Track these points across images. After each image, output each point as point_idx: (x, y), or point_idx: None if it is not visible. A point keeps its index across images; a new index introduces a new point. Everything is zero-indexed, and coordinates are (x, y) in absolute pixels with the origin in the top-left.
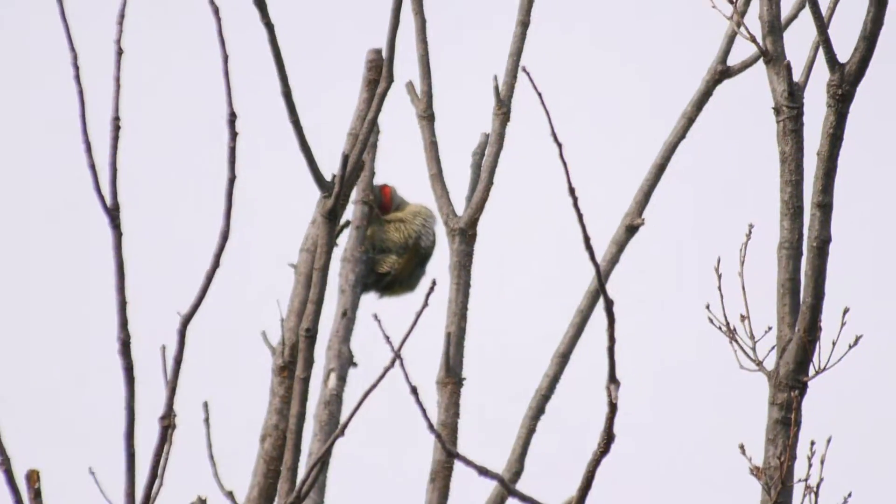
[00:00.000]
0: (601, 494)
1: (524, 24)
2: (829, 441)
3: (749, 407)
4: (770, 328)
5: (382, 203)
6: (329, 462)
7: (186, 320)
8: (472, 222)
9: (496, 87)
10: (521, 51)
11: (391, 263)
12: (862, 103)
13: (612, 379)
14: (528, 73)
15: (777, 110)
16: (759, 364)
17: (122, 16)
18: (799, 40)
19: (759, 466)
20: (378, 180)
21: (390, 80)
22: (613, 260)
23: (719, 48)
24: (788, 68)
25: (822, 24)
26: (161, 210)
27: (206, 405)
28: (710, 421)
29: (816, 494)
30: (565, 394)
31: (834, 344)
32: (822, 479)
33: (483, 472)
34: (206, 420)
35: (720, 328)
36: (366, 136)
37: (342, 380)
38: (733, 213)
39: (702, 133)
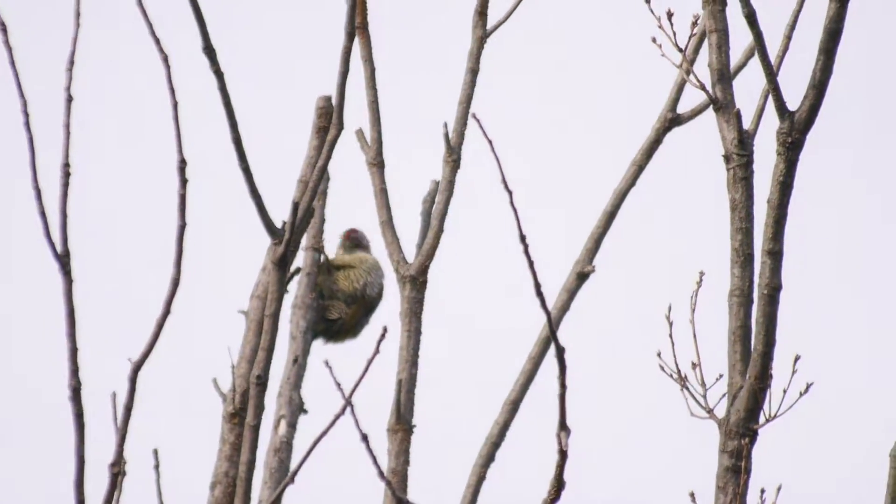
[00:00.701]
0: None
1: (474, 71)
2: (779, 489)
3: (699, 454)
4: (721, 376)
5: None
6: None
7: (137, 367)
8: (423, 269)
9: (446, 135)
10: (470, 98)
11: (340, 310)
12: (812, 151)
13: (563, 426)
14: (478, 121)
15: (727, 158)
16: (710, 411)
17: (71, 62)
18: (748, 88)
19: None
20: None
21: (340, 127)
22: (564, 307)
23: (669, 96)
24: (738, 116)
25: (771, 72)
26: (112, 256)
27: (156, 452)
28: (661, 468)
29: None
30: (516, 441)
31: (785, 391)
32: None
33: None
34: (157, 467)
35: (671, 375)
36: (316, 183)
37: (292, 427)
38: (684, 261)
39: (652, 180)
